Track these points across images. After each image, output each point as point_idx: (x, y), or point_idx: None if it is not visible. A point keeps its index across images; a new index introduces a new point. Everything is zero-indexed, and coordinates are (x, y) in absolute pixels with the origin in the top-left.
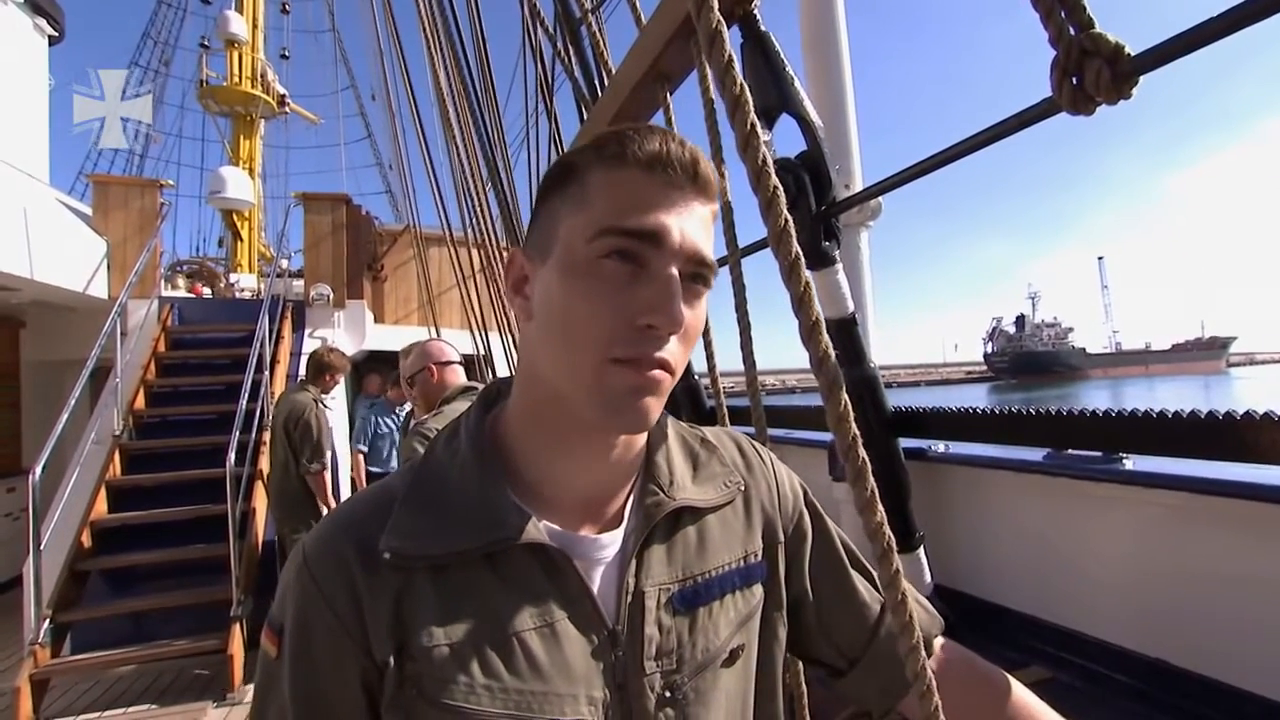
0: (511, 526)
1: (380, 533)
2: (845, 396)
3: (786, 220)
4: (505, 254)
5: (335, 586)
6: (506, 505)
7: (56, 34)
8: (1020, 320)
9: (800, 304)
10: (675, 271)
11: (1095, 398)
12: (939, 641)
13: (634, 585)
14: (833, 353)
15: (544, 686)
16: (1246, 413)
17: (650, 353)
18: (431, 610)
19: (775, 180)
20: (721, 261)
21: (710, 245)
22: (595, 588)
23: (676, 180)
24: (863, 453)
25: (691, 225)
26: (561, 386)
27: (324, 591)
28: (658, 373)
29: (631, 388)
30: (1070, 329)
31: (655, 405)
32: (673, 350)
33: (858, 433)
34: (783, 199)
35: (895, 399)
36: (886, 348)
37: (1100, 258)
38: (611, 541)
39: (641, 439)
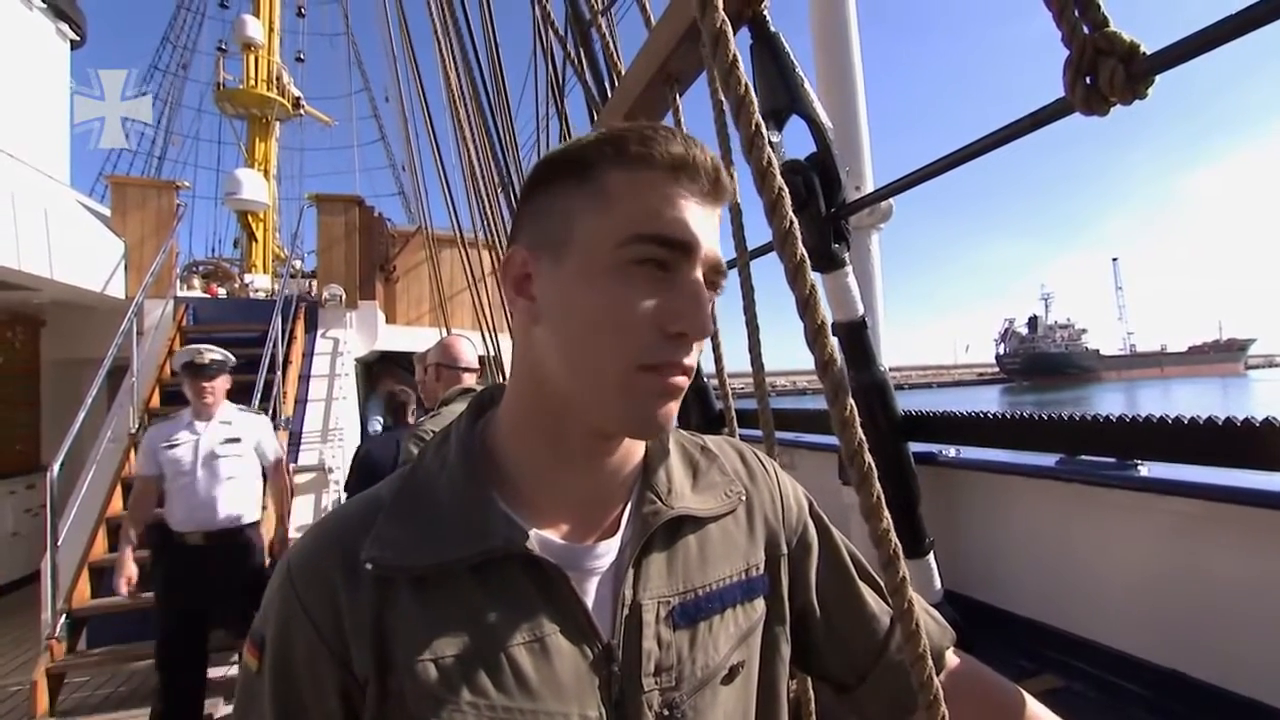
0: (499, 536)
1: (364, 543)
2: (851, 401)
3: (792, 222)
4: None
5: (316, 598)
6: (495, 514)
7: (78, 38)
8: (1033, 321)
9: (805, 307)
10: (702, 279)
11: (1109, 400)
12: (950, 654)
13: (630, 597)
14: (838, 357)
15: (533, 704)
16: (1266, 418)
17: (679, 359)
18: (415, 623)
19: (780, 182)
20: (730, 264)
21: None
22: (589, 600)
23: (702, 187)
24: (868, 458)
25: (712, 233)
26: (577, 392)
27: (304, 603)
28: (681, 378)
29: (658, 393)
30: (1084, 330)
31: (675, 410)
32: (694, 356)
33: (863, 438)
34: (788, 201)
35: (906, 401)
36: (897, 349)
37: (1115, 259)
38: (606, 551)
39: (640, 447)
